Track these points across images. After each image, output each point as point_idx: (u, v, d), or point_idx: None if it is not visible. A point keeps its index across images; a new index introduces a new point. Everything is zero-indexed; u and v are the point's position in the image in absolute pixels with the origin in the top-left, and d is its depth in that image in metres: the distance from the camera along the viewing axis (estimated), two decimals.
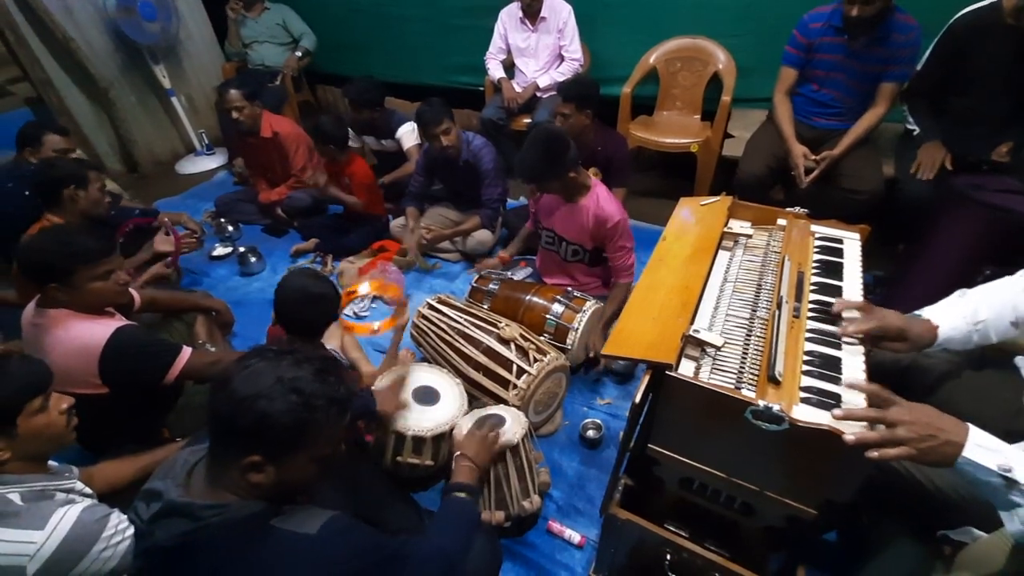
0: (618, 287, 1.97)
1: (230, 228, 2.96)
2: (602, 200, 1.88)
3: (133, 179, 3.75)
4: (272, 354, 0.78)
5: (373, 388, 1.47)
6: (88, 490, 1.12)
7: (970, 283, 1.11)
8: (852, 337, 1.00)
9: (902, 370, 1.24)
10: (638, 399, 0.94)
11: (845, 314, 1.04)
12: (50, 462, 1.12)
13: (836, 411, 0.83)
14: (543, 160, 1.75)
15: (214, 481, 0.78)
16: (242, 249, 2.77)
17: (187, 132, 3.89)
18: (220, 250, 2.85)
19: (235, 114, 2.66)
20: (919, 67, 2.12)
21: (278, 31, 3.74)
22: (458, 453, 1.25)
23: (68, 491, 1.04)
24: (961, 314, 1.05)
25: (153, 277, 2.11)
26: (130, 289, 1.69)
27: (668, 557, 1.14)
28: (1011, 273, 1.08)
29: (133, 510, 0.80)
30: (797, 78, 2.26)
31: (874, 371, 0.96)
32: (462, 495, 1.14)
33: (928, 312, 1.08)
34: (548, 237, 2.11)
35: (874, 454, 0.77)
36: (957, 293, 1.11)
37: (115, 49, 3.48)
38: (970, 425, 0.79)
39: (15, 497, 0.96)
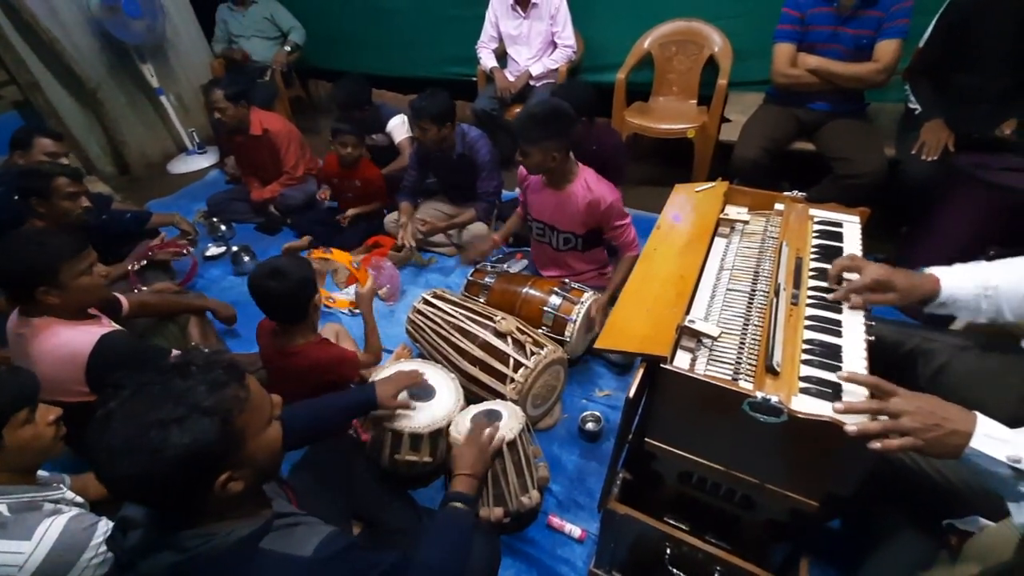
0: (624, 259, 1.95)
1: (223, 227, 2.93)
2: (591, 184, 1.86)
3: (125, 181, 3.71)
4: (111, 409, 0.65)
5: (375, 380, 1.44)
6: (79, 499, 1.11)
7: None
8: (848, 297, 1.02)
9: (904, 355, 1.21)
10: (632, 393, 0.91)
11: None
12: (40, 472, 1.11)
13: (837, 405, 0.80)
14: (537, 123, 1.74)
15: (186, 523, 0.71)
16: (235, 248, 2.74)
17: (178, 131, 3.85)
18: (213, 250, 2.82)
19: (218, 114, 2.67)
20: (921, 44, 2.07)
21: (266, 25, 3.68)
22: (455, 472, 1.21)
23: (56, 501, 1.03)
24: (970, 276, 1.00)
25: (161, 290, 2.09)
26: (118, 294, 1.67)
27: (668, 551, 1.12)
28: (1016, 254, 1.04)
29: (112, 538, 0.76)
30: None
31: (876, 356, 0.93)
32: (458, 505, 1.11)
33: (932, 269, 1.04)
34: (539, 229, 2.08)
35: (877, 445, 0.75)
36: (971, 263, 1.06)
37: (101, 49, 3.43)
38: (978, 414, 0.76)
39: (2, 508, 0.95)
